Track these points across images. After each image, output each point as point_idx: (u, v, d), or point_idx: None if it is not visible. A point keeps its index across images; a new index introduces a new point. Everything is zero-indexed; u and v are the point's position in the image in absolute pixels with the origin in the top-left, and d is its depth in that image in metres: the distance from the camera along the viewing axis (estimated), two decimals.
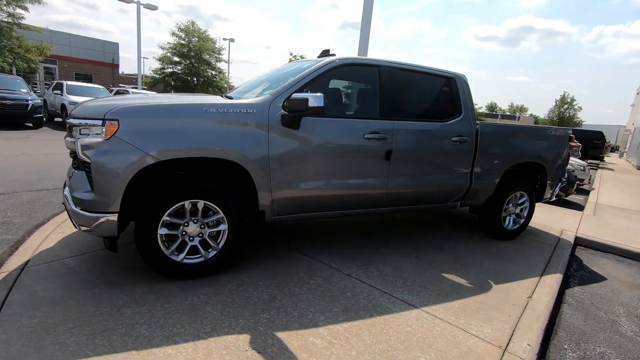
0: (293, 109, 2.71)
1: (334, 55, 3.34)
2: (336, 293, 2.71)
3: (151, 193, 2.48)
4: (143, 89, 21.62)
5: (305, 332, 2.20)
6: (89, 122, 2.39)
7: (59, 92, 12.97)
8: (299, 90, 2.90)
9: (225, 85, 29.42)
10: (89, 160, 2.34)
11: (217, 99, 2.93)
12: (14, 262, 2.82)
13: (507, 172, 4.18)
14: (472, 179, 3.84)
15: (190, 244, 2.68)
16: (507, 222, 4.34)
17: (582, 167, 9.42)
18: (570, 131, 4.68)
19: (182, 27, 26.09)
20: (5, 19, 17.83)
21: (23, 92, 11.48)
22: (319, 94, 2.65)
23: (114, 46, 31.75)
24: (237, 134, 2.64)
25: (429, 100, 3.74)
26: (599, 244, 4.80)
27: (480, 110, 64.96)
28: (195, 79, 28.10)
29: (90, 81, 26.92)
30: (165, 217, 2.52)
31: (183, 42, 26.53)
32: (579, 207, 7.20)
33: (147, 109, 2.45)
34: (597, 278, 3.85)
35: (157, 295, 2.44)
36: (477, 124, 3.80)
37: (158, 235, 2.53)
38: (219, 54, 28.32)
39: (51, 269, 2.72)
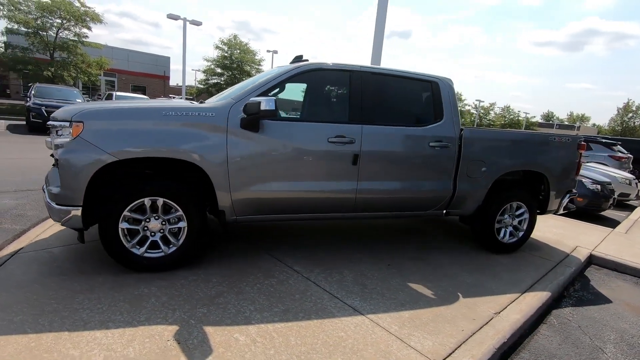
0: (248, 112, 2.80)
1: (306, 60, 3.40)
2: (285, 294, 2.72)
3: (111, 190, 2.69)
4: (187, 98, 23.10)
5: (234, 329, 2.24)
6: (61, 124, 2.65)
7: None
8: (262, 94, 2.99)
9: None
10: (57, 158, 2.60)
11: (183, 103, 3.11)
12: (11, 248, 3.17)
13: (500, 180, 3.93)
14: (456, 187, 3.66)
15: (151, 238, 2.85)
16: (502, 235, 4.06)
17: (626, 181, 8.52)
18: (582, 138, 4.30)
19: (225, 41, 27.55)
20: (72, 38, 20.15)
21: (78, 102, 12.83)
22: (271, 97, 2.72)
23: (166, 60, 34.44)
24: (195, 136, 2.78)
25: (406, 105, 3.64)
26: (617, 263, 4.32)
27: (534, 120, 60.85)
28: None
29: (144, 92, 29.34)
30: (125, 213, 2.71)
31: (226, 54, 28.01)
32: (615, 224, 6.51)
33: (110, 112, 2.68)
34: (599, 300, 3.48)
35: (112, 285, 2.62)
36: (462, 129, 3.64)
37: (119, 229, 2.72)
38: (259, 65, 29.50)
39: (36, 256, 3.02)
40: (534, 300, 3.06)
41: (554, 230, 5.40)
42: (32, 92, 12.60)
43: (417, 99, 3.65)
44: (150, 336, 2.10)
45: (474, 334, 2.46)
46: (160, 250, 2.87)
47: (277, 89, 3.17)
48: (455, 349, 2.26)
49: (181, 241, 2.89)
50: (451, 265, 3.60)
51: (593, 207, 6.93)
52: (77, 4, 19.63)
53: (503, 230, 4.08)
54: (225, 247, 3.52)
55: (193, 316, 2.33)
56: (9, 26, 19.64)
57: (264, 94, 3.01)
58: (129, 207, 2.71)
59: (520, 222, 4.14)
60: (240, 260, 3.25)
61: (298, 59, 3.45)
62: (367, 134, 3.24)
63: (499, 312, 2.79)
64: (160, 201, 2.78)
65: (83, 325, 2.15)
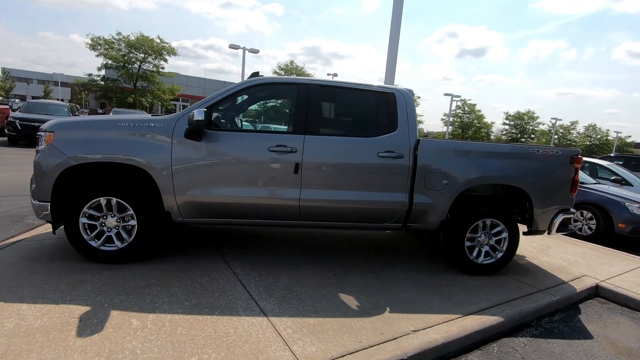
0: (188, 123, 3.11)
1: (261, 76, 3.64)
2: (206, 292, 2.89)
3: (72, 189, 3.16)
4: None
5: (135, 315, 2.47)
6: (41, 134, 3.23)
7: None
8: (210, 108, 3.30)
9: None
10: (34, 161, 3.16)
11: (142, 116, 3.54)
12: (19, 237, 3.83)
13: (470, 195, 3.67)
14: (413, 200, 3.53)
15: (106, 233, 3.25)
16: (474, 254, 3.75)
17: None
18: (577, 151, 3.84)
19: (282, 66, 29.36)
20: (151, 69, 23.40)
21: (60, 116, 13.88)
22: (202, 109, 3.00)
23: None
24: (144, 144, 3.17)
25: (355, 116, 3.66)
26: (628, 298, 3.70)
27: (629, 140, 53.15)
28: None
29: None
30: (85, 209, 3.16)
31: None
32: None
33: (75, 123, 3.19)
34: (576, 335, 3.04)
35: (66, 271, 3.04)
36: (419, 139, 3.53)
37: (80, 224, 3.17)
38: None
39: (29, 245, 3.61)
40: (472, 323, 2.79)
41: (569, 256, 4.77)
42: (21, 107, 12.94)
43: (369, 110, 3.65)
44: (61, 313, 2.42)
45: (370, 347, 2.36)
46: (115, 244, 3.25)
47: (228, 103, 3.45)
48: (335, 359, 2.20)
49: (132, 238, 3.25)
50: (403, 282, 3.44)
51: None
52: (157, 40, 22.96)
53: (477, 249, 3.77)
54: (185, 247, 3.81)
55: (110, 301, 2.62)
56: (104, 62, 23.56)
57: (213, 107, 3.31)
58: (88, 205, 3.16)
59: (498, 242, 3.78)
60: (190, 259, 3.50)
61: (255, 74, 3.71)
62: (309, 143, 3.34)
63: (418, 331, 2.61)
64: (113, 201, 3.18)
65: (19, 298, 2.55)
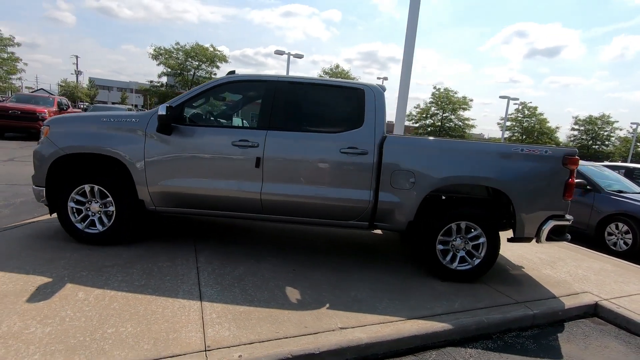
0: (158, 117, 3.36)
1: (237, 75, 3.80)
2: (160, 275, 3.08)
3: (64, 177, 3.56)
4: None
5: (84, 288, 2.73)
6: (42, 127, 3.69)
7: None
8: (182, 104, 3.53)
9: None
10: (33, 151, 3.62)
11: (127, 113, 3.87)
12: (37, 219, 4.40)
13: (440, 195, 3.47)
14: (377, 198, 3.43)
15: (90, 217, 3.61)
16: (448, 258, 3.52)
17: None
18: (572, 151, 3.44)
19: (327, 71, 29.68)
20: (204, 76, 25.17)
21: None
22: (164, 104, 3.23)
23: None
24: (122, 137, 3.48)
25: (322, 112, 3.64)
26: (630, 321, 3.23)
27: None
28: None
29: None
30: (73, 195, 3.55)
31: None
32: None
33: (67, 118, 3.60)
34: (542, 354, 2.75)
35: (54, 248, 3.43)
36: (385, 136, 3.42)
37: (68, 208, 3.57)
38: None
39: (40, 225, 4.12)
40: (412, 327, 2.65)
41: (579, 271, 4.26)
42: (87, 109, 14.71)
43: (337, 106, 3.63)
44: (26, 282, 2.75)
45: (285, 338, 2.36)
46: (97, 228, 3.60)
47: (200, 99, 3.66)
48: (243, 345, 2.24)
49: (111, 222, 3.58)
50: (362, 281, 3.35)
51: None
52: (211, 49, 24.70)
53: (451, 254, 3.54)
54: (170, 235, 4.08)
55: (72, 275, 2.92)
56: (164, 70, 25.90)
57: (183, 103, 3.54)
58: (75, 191, 3.54)
59: (476, 247, 3.52)
60: (167, 246, 3.74)
61: (231, 73, 3.88)
62: (271, 138, 3.41)
63: (346, 328, 2.55)
64: (96, 188, 3.54)
65: (2, 267, 2.96)
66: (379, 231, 4.93)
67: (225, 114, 4.09)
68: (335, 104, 3.66)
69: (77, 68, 49.13)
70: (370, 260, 3.93)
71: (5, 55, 26.19)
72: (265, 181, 3.44)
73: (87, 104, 44.32)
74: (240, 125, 3.71)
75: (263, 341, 2.30)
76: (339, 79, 3.61)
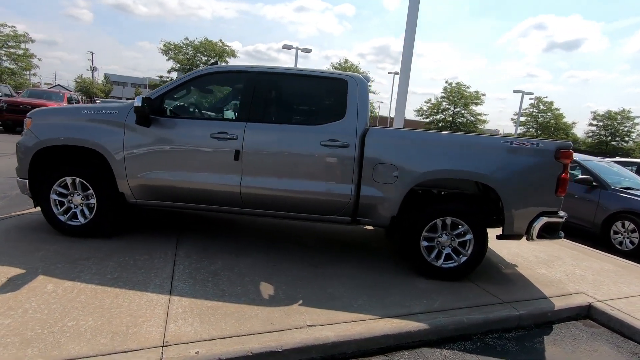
0: (134, 109, 3.32)
1: (217, 66, 3.73)
2: (134, 268, 3.05)
3: (46, 169, 3.56)
4: None
5: (55, 280, 2.71)
6: (26, 120, 3.70)
7: None
8: (162, 96, 3.48)
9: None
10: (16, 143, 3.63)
11: (108, 104, 3.84)
12: (27, 211, 4.44)
13: (427, 190, 3.34)
14: (359, 192, 3.32)
15: (72, 210, 3.61)
16: (433, 255, 3.40)
17: None
18: (566, 145, 3.26)
19: (336, 65, 29.41)
20: None
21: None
22: (140, 96, 3.17)
23: None
24: (101, 129, 3.45)
25: (303, 103, 3.55)
26: (623, 324, 3.06)
27: None
28: None
29: None
30: (55, 187, 3.55)
31: None
32: None
33: (48, 111, 3.60)
34: (524, 356, 2.61)
35: (37, 240, 3.43)
36: (368, 128, 3.30)
37: (51, 200, 3.57)
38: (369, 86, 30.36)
39: (29, 217, 4.14)
40: (385, 326, 2.55)
41: (577, 271, 4.07)
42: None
43: (319, 98, 3.53)
44: (2, 273, 2.76)
45: (249, 335, 2.29)
46: (78, 220, 3.60)
47: (180, 91, 3.60)
48: (202, 341, 2.18)
49: (92, 215, 3.57)
50: (340, 278, 3.26)
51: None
52: (220, 44, 24.75)
53: (436, 250, 3.41)
54: (156, 228, 4.07)
55: (46, 267, 2.91)
56: (173, 65, 26.10)
57: (163, 95, 3.48)
58: (57, 183, 3.54)
59: (463, 244, 3.38)
60: (149, 239, 3.71)
61: (214, 64, 3.81)
62: (250, 131, 3.33)
63: (314, 326, 2.46)
64: (77, 180, 3.53)
65: None
66: (370, 227, 4.82)
67: (207, 106, 4.03)
68: (317, 95, 3.56)
69: (92, 64, 50.12)
70: (354, 256, 3.83)
71: (20, 52, 26.80)
72: (245, 174, 3.37)
73: (101, 99, 45.16)
74: (222, 117, 3.64)
75: (224, 337, 2.24)
76: (322, 70, 3.50)
